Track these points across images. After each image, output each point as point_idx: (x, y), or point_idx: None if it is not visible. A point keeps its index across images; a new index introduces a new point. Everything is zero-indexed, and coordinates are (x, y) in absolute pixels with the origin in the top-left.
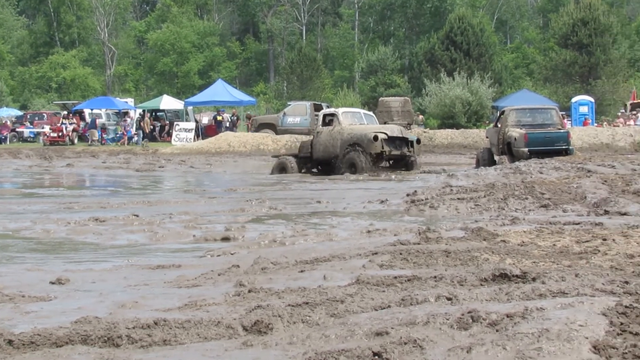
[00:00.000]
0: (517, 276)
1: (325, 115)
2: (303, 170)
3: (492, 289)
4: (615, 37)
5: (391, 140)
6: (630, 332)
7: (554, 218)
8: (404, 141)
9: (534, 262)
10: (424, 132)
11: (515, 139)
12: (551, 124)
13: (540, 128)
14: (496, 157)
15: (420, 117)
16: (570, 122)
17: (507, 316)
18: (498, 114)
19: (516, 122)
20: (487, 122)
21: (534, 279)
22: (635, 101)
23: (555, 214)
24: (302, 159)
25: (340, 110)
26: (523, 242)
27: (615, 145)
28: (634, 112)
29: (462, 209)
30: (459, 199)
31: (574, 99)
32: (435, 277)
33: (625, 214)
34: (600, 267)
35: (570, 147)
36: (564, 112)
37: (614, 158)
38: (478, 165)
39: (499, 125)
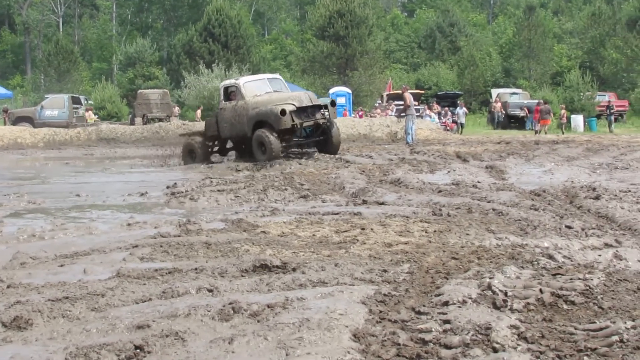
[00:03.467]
0: (277, 267)
1: (226, 88)
2: (213, 151)
3: (253, 279)
4: (371, 29)
5: (301, 110)
6: (389, 320)
7: (314, 208)
8: (316, 108)
9: (294, 252)
10: (183, 124)
11: None
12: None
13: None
14: None
15: (177, 108)
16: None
17: (268, 307)
18: None
19: None
20: None
21: (294, 269)
22: (391, 92)
23: (315, 204)
24: (210, 138)
25: (241, 81)
26: (283, 232)
27: (373, 136)
28: (389, 103)
29: (223, 200)
30: (219, 190)
31: (331, 90)
32: (196, 269)
33: (382, 203)
34: (359, 257)
35: None
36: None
37: (371, 148)
38: (238, 157)
39: None
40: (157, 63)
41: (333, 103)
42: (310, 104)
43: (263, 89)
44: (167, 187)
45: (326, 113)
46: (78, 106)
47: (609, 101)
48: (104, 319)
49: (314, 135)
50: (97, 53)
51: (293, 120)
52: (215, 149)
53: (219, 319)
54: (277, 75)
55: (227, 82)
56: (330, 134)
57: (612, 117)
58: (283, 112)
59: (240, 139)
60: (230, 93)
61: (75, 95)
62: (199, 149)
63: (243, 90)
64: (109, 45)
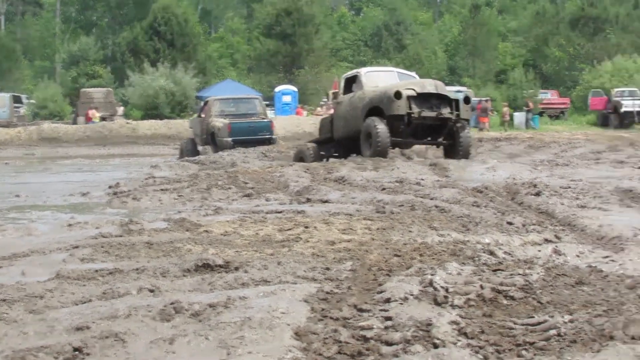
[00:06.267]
0: (220, 266)
1: (347, 80)
2: (325, 158)
3: (195, 279)
4: (318, 28)
5: (423, 97)
6: (331, 318)
7: (257, 207)
8: (443, 100)
9: (237, 251)
10: (127, 123)
11: (219, 129)
12: (254, 113)
13: (244, 118)
14: (200, 148)
15: (121, 108)
16: (273, 111)
17: (210, 306)
18: (202, 104)
19: (220, 112)
20: (191, 112)
21: (236, 268)
22: (337, 90)
23: (259, 202)
24: (323, 142)
25: (363, 71)
26: (226, 231)
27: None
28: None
29: (166, 200)
30: (162, 190)
31: (277, 89)
32: (137, 269)
33: (326, 201)
34: (302, 255)
35: (274, 137)
36: (267, 102)
37: None
38: (182, 155)
39: (203, 116)
40: (102, 61)
41: (467, 99)
42: (435, 92)
43: (389, 81)
44: (110, 187)
45: (456, 111)
46: (19, 105)
47: (527, 98)
48: (43, 321)
49: (437, 134)
50: (40, 51)
51: (410, 108)
52: (325, 156)
53: (160, 319)
54: (412, 74)
55: (349, 72)
56: (459, 136)
57: (530, 114)
58: (398, 94)
59: (356, 140)
60: (352, 86)
61: (17, 94)
62: (309, 156)
63: (364, 80)
64: (52, 44)
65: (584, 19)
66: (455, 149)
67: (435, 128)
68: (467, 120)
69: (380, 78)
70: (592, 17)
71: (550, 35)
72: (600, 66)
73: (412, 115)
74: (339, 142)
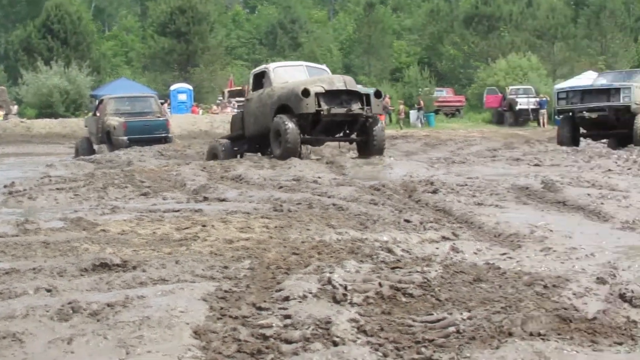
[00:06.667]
0: (117, 265)
1: (256, 76)
2: (239, 155)
3: (92, 278)
4: (212, 26)
5: (332, 94)
6: (230, 316)
7: (154, 206)
8: (353, 95)
9: (135, 250)
10: (22, 122)
11: (114, 127)
12: (150, 112)
13: (139, 116)
14: (96, 146)
15: (15, 107)
16: (169, 110)
17: (108, 305)
18: (97, 103)
19: (115, 110)
20: (86, 111)
21: (134, 267)
22: (232, 88)
23: (156, 201)
24: (235, 139)
25: (271, 66)
26: (123, 230)
27: (214, 133)
28: (231, 100)
29: (62, 199)
30: (58, 189)
31: (172, 87)
32: (34, 269)
33: (224, 200)
34: (201, 253)
35: (170, 135)
36: (163, 100)
37: None
38: (78, 154)
39: (98, 114)
40: None
41: (378, 94)
42: (345, 88)
43: (298, 76)
44: (5, 186)
45: (367, 106)
46: None
47: (418, 96)
48: None
49: (349, 130)
50: None
51: (319, 106)
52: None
53: (58, 319)
54: (323, 67)
55: (257, 68)
56: (372, 132)
57: (422, 112)
58: (305, 92)
59: (267, 137)
60: (261, 82)
61: None
62: (222, 153)
63: (272, 76)
64: None
65: (478, 17)
66: (368, 145)
67: (347, 124)
68: (377, 117)
69: (289, 73)
70: (486, 15)
71: (444, 34)
72: (495, 64)
73: (322, 112)
74: (251, 138)
